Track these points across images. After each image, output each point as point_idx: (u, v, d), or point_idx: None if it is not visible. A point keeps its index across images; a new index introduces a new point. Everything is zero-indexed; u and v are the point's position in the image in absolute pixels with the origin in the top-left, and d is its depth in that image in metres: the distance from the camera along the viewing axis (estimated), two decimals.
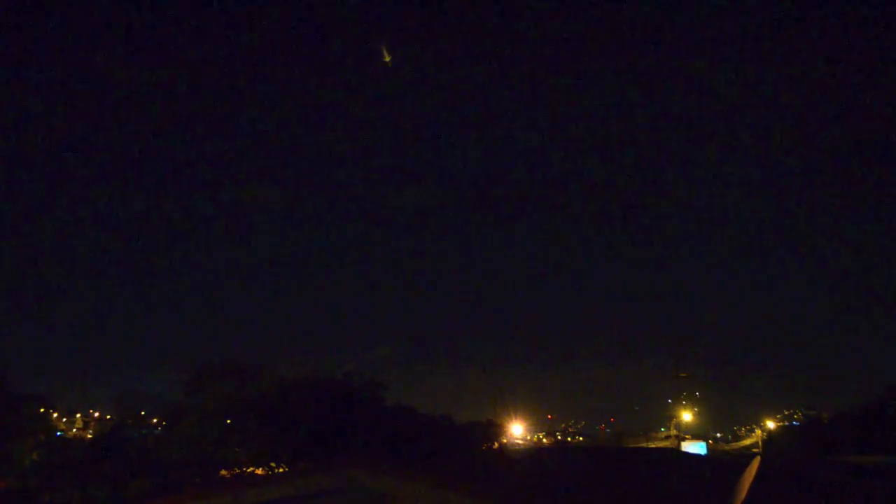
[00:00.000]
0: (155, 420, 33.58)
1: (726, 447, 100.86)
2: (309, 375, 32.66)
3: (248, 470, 27.51)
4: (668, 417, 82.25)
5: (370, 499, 10.32)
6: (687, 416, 73.74)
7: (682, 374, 76.25)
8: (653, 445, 79.25)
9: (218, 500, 11.28)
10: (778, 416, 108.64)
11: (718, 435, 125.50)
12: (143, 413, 33.59)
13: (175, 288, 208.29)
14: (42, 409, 38.20)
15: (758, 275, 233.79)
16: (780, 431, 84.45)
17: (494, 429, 57.91)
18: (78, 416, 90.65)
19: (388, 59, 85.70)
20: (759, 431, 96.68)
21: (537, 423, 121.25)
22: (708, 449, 65.20)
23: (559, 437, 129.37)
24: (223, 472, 27.25)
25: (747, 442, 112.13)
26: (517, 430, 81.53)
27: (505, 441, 62.26)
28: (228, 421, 27.89)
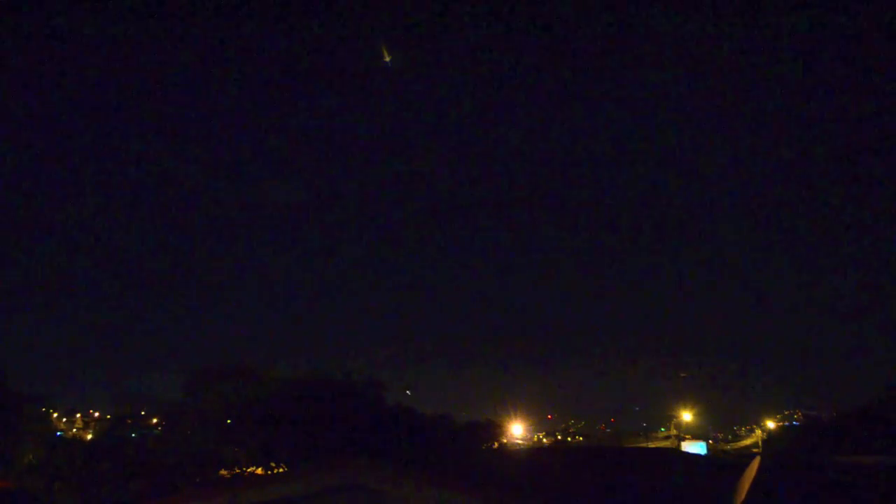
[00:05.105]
0: (155, 420, 33.51)
1: (726, 447, 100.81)
2: (309, 375, 32.62)
3: (248, 470, 27.46)
4: (668, 417, 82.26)
5: (370, 499, 10.31)
6: (687, 416, 73.70)
7: (682, 374, 76.21)
8: (653, 445, 79.24)
9: (218, 500, 11.29)
10: (778, 416, 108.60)
11: (718, 435, 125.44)
12: (143, 413, 33.53)
13: (175, 288, 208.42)
14: (42, 409, 38.16)
15: (758, 274, 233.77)
16: (780, 431, 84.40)
17: (494, 429, 57.82)
18: (78, 416, 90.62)
19: (388, 58, 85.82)
20: (759, 431, 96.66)
21: (537, 423, 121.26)
22: (708, 449, 65.16)
23: (559, 437, 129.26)
24: (223, 472, 27.21)
25: (747, 442, 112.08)
26: (517, 430, 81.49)
27: (505, 441, 62.20)
28: (228, 421, 27.84)
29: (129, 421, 31.80)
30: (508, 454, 32.10)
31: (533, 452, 32.37)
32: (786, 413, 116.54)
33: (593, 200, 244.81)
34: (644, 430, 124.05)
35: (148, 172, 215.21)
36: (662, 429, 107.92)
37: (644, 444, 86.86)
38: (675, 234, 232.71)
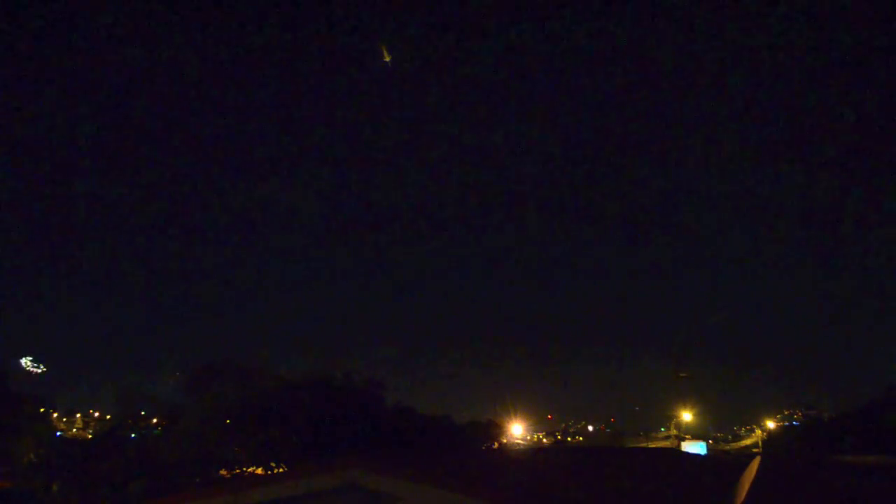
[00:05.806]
0: (155, 420, 33.46)
1: (726, 447, 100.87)
2: (308, 375, 32.62)
3: (248, 470, 27.45)
4: (668, 417, 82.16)
5: (370, 499, 10.30)
6: (687, 416, 73.60)
7: (682, 374, 76.17)
8: (653, 445, 79.22)
9: (218, 500, 11.28)
10: (778, 416, 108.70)
11: (718, 435, 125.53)
12: (143, 413, 33.50)
13: (176, 288, 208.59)
14: (42, 409, 38.20)
15: (758, 275, 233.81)
16: (780, 431, 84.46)
17: (494, 429, 57.85)
18: (78, 416, 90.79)
19: (387, 59, 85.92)
20: (759, 431, 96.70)
21: (537, 423, 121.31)
22: (708, 449, 65.06)
23: (559, 437, 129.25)
24: (223, 472, 27.19)
25: (747, 442, 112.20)
26: (517, 430, 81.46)
27: (505, 441, 62.18)
28: (228, 421, 27.82)
29: (130, 421, 31.77)
30: (508, 454, 32.07)
31: (533, 452, 32.35)
32: (786, 413, 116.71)
33: (594, 201, 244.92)
34: (644, 430, 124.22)
35: (149, 174, 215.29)
36: (662, 429, 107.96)
37: (644, 444, 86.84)
38: (676, 234, 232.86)
